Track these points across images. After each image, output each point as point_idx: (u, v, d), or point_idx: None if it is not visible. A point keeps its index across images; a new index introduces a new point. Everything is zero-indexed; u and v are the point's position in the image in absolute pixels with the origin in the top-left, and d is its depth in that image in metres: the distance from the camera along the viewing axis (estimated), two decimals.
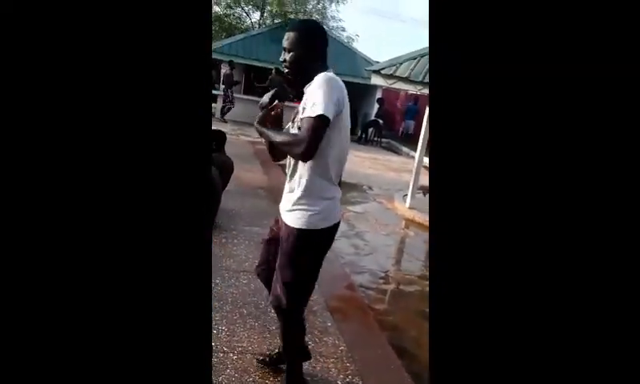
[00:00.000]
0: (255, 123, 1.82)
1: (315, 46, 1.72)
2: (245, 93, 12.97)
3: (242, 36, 14.07)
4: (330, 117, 1.56)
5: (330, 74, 1.65)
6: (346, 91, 1.69)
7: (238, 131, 10.46)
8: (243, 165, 6.47)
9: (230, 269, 3.33)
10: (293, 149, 1.62)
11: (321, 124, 1.55)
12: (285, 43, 1.73)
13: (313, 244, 1.80)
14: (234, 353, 2.33)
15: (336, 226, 1.84)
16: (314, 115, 1.54)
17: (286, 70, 1.76)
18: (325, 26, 3.05)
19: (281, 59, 1.76)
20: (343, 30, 18.42)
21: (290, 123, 1.86)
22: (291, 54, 1.72)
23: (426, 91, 6.28)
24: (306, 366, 2.18)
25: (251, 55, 12.79)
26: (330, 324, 2.82)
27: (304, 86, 1.72)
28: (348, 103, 1.71)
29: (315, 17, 16.87)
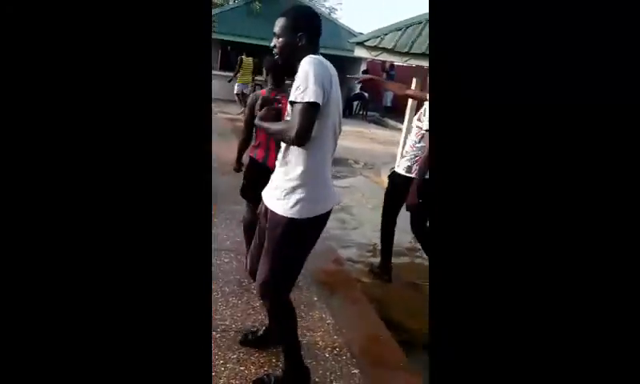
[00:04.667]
0: (256, 120, 1.82)
1: (304, 34, 1.69)
2: (221, 69, 12.64)
3: (217, 10, 13.59)
4: (320, 101, 1.54)
5: (315, 56, 1.62)
6: (333, 72, 1.66)
7: (216, 109, 10.23)
8: (223, 143, 6.32)
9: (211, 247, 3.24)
10: (286, 135, 1.59)
11: (311, 109, 1.53)
12: (275, 29, 1.73)
13: (303, 233, 1.75)
14: (216, 331, 2.26)
15: (329, 212, 1.80)
16: (302, 101, 1.52)
17: (276, 56, 1.76)
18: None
19: (271, 45, 1.75)
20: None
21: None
22: (280, 40, 1.71)
23: (413, 62, 6.17)
24: None
25: (227, 30, 12.42)
26: (316, 298, 2.77)
27: (294, 72, 1.68)
28: (338, 85, 1.68)
29: None
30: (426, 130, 2.85)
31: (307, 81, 1.53)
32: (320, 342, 2.32)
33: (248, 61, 10.07)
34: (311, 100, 1.52)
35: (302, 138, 1.54)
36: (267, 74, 2.76)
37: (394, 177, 3.19)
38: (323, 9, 16.51)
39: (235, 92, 10.29)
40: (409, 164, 3.02)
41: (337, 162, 6.51)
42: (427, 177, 2.88)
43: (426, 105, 2.95)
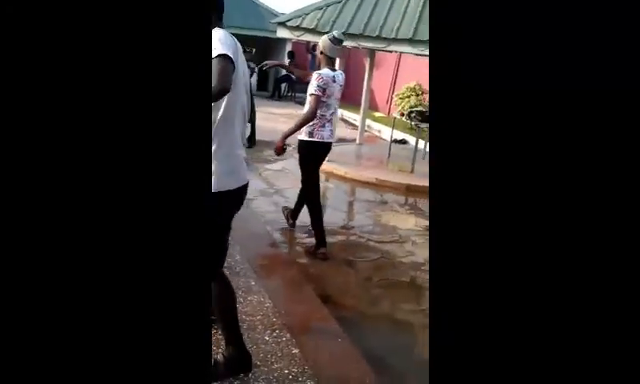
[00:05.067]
0: None
1: (214, 14, 1.77)
2: None
3: None
4: (232, 55, 1.63)
5: (222, 29, 1.73)
6: (239, 46, 1.76)
7: None
8: None
9: None
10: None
11: (225, 59, 1.61)
12: None
13: (224, 206, 1.81)
14: None
15: (245, 186, 1.88)
16: (215, 56, 1.59)
17: None
18: None
19: None
20: None
21: None
22: None
23: None
24: None
25: None
26: (253, 282, 2.77)
27: None
28: (244, 59, 1.82)
29: None
30: (310, 95, 3.37)
31: (217, 44, 1.62)
32: (259, 326, 2.34)
33: None
34: (223, 52, 1.61)
35: (223, 87, 1.60)
36: None
37: (299, 144, 3.56)
38: None
39: None
40: (309, 130, 3.45)
41: (268, 145, 6.46)
42: (305, 138, 3.47)
43: (313, 77, 3.39)
